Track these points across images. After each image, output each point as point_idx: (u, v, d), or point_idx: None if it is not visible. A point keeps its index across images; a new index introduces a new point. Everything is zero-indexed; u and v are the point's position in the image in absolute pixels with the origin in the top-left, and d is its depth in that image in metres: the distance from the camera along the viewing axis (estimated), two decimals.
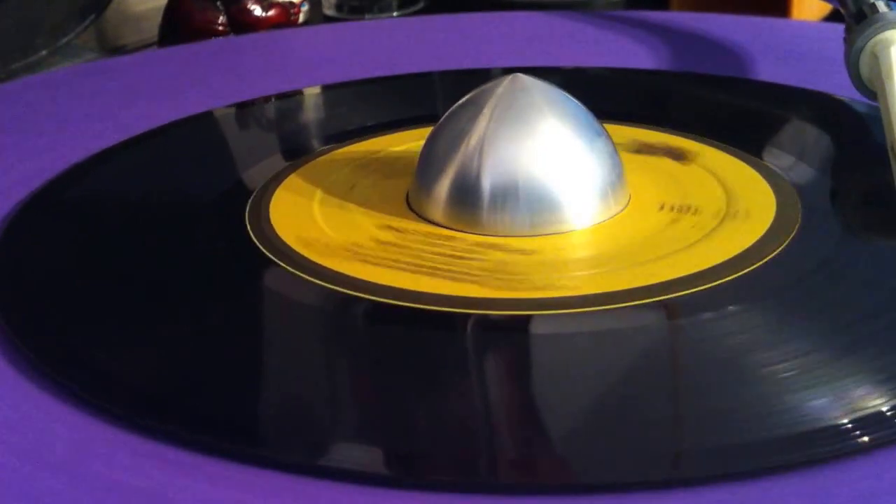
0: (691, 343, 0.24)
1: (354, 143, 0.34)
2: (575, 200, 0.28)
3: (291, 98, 0.40)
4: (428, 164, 0.29)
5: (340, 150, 0.34)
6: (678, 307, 0.25)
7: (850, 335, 0.24)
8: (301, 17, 0.55)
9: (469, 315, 0.25)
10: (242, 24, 0.51)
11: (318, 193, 0.31)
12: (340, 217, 0.29)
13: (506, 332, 0.25)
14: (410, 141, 0.34)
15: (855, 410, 0.21)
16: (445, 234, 0.28)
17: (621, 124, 0.34)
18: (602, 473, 0.20)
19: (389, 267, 0.27)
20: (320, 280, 0.26)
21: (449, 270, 0.26)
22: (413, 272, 0.26)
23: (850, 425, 0.21)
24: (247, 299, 0.27)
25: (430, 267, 0.27)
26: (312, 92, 0.40)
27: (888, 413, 0.21)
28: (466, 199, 0.28)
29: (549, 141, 0.28)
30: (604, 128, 0.30)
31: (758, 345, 0.23)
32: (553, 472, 0.21)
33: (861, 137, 0.34)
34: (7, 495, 0.20)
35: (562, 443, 0.21)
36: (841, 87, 0.35)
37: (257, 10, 0.51)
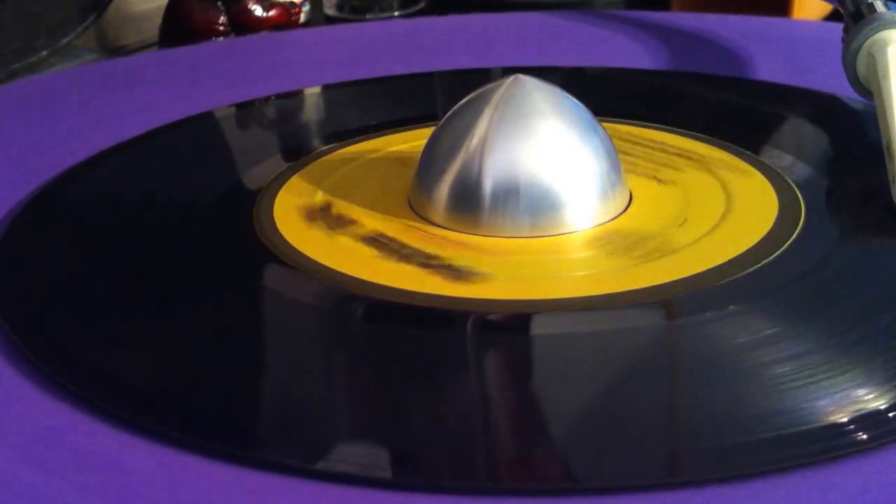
0: (691, 343, 0.24)
1: (355, 143, 0.34)
2: (575, 201, 0.28)
3: (292, 98, 0.40)
4: (429, 165, 0.29)
5: (341, 150, 0.34)
6: (678, 307, 0.25)
7: (850, 335, 0.24)
8: (302, 18, 0.55)
9: (469, 315, 0.25)
10: (243, 24, 0.51)
11: (320, 194, 0.31)
12: (342, 217, 0.29)
13: (505, 332, 0.25)
14: (410, 141, 0.34)
15: (854, 410, 0.21)
16: (446, 235, 0.28)
17: (621, 124, 0.34)
18: (602, 475, 0.20)
19: (390, 267, 0.27)
20: (322, 280, 0.26)
21: (449, 271, 0.26)
22: (414, 272, 0.26)
23: (849, 424, 0.21)
24: (252, 300, 0.27)
25: (431, 267, 0.27)
26: (313, 92, 0.40)
27: (887, 412, 0.21)
28: (467, 199, 0.28)
29: (549, 142, 0.28)
30: (604, 128, 0.30)
31: (758, 345, 0.23)
32: (551, 473, 0.21)
33: (861, 137, 0.34)
34: (6, 495, 0.20)
35: (561, 444, 0.21)
36: (841, 87, 0.35)
37: (258, 11, 0.51)
